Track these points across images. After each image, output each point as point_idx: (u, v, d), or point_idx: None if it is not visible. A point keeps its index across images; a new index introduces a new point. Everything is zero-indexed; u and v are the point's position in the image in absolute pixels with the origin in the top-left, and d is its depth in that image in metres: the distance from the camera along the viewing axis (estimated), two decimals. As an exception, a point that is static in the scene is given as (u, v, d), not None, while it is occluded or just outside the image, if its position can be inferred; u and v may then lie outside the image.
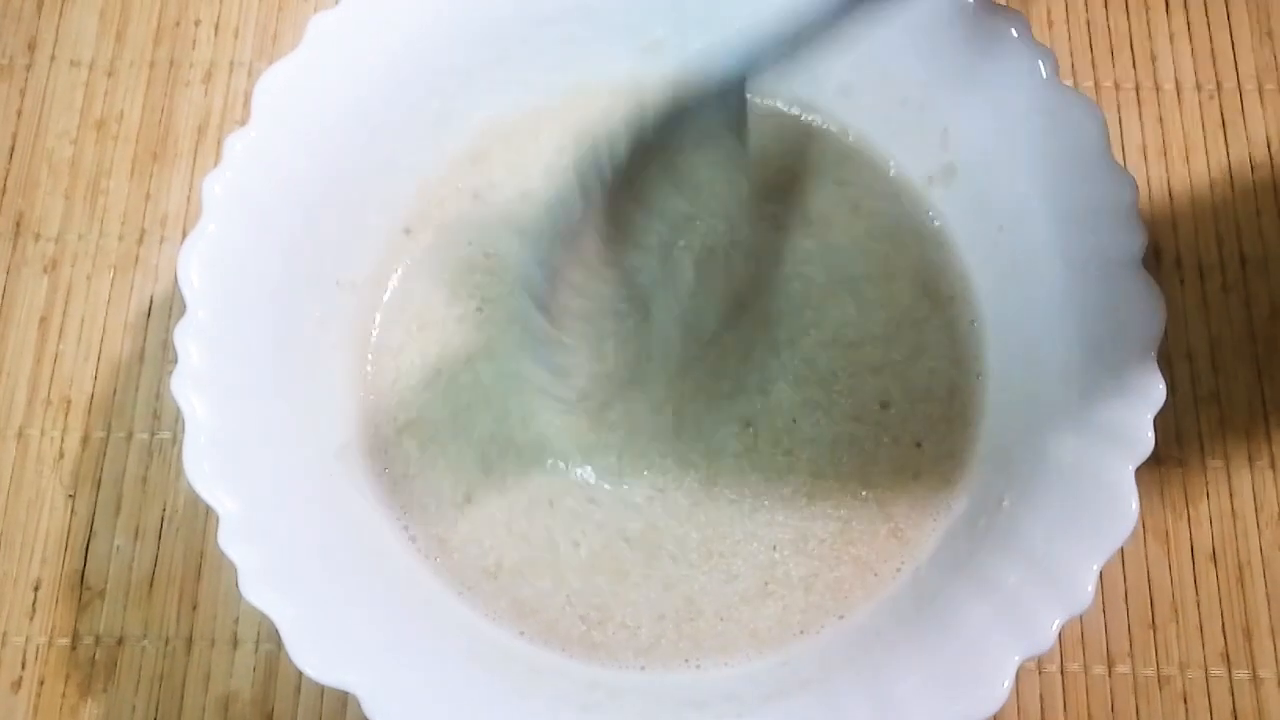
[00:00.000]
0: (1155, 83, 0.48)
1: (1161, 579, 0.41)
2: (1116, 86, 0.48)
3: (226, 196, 0.37)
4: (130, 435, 0.43)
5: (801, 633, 0.38)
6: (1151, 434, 0.34)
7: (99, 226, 0.46)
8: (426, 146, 0.43)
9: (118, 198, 0.47)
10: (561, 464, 0.40)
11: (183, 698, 0.40)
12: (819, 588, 0.38)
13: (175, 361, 0.35)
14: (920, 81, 0.41)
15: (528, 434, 0.40)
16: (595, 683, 0.37)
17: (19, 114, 0.48)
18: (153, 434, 0.43)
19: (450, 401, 0.41)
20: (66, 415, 0.44)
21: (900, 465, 0.39)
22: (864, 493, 0.39)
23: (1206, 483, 0.42)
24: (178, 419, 0.39)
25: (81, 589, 0.42)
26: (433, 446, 0.40)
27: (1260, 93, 0.47)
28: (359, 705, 0.32)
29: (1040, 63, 0.38)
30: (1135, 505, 0.33)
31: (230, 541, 0.33)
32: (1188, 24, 0.48)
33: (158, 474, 0.43)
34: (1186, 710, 0.40)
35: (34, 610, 0.42)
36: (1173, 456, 0.42)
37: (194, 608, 0.41)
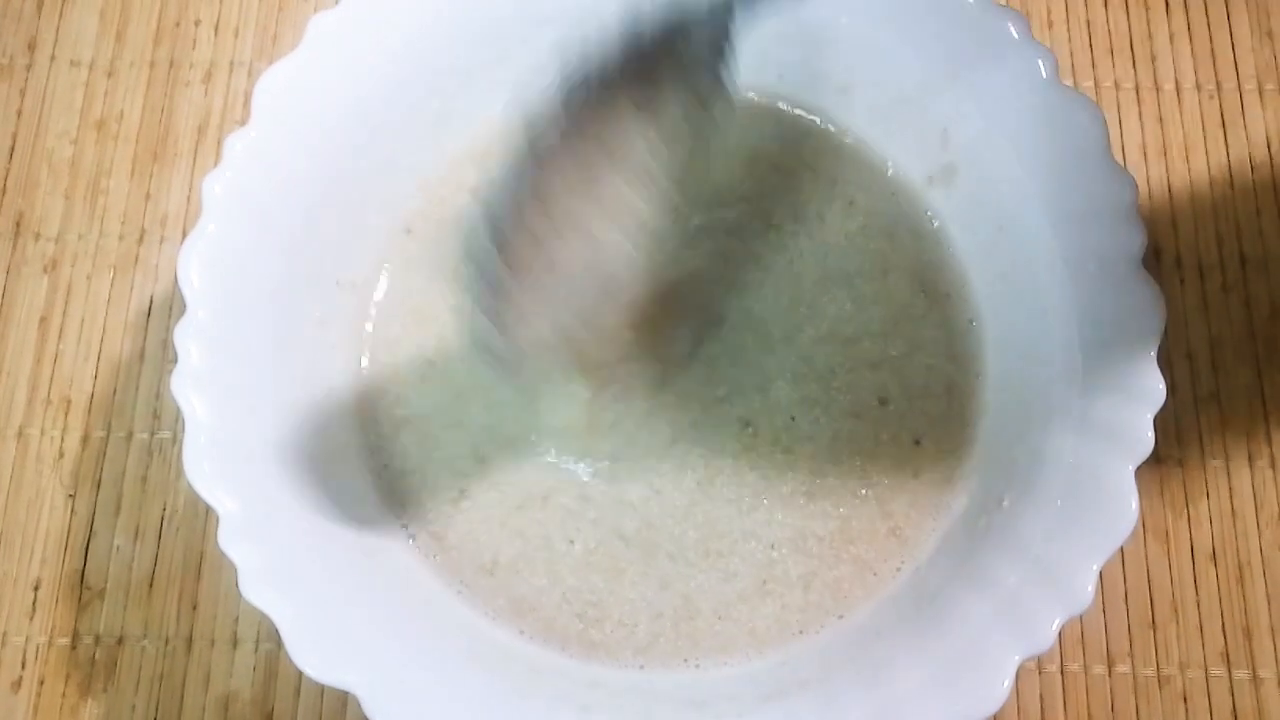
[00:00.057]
0: (1155, 83, 0.48)
1: (1161, 579, 0.41)
2: (1116, 86, 0.48)
3: (226, 196, 0.37)
4: (130, 435, 0.43)
5: (800, 632, 0.38)
6: (1151, 434, 0.34)
7: (99, 226, 0.46)
8: (426, 146, 0.43)
9: (118, 198, 0.47)
10: (553, 459, 0.40)
11: (183, 698, 0.40)
12: (818, 587, 0.38)
13: (175, 361, 0.35)
14: (920, 81, 0.41)
15: (518, 427, 0.40)
16: (595, 682, 0.37)
17: (19, 114, 0.48)
18: (153, 434, 0.43)
19: (444, 394, 0.41)
20: (66, 415, 0.44)
21: (900, 463, 0.39)
22: (863, 491, 0.39)
23: (1206, 482, 0.42)
24: (178, 419, 0.39)
25: (81, 589, 0.42)
26: (428, 441, 0.40)
27: (1260, 93, 0.47)
28: (359, 705, 0.32)
29: (1040, 63, 0.38)
30: (1135, 505, 0.33)
31: (230, 541, 0.33)
32: (1188, 24, 0.48)
33: (158, 474, 0.43)
34: (1186, 710, 0.40)
35: (34, 610, 0.42)
36: (1173, 456, 0.42)
37: (194, 607, 0.41)
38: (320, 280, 0.40)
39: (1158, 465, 0.42)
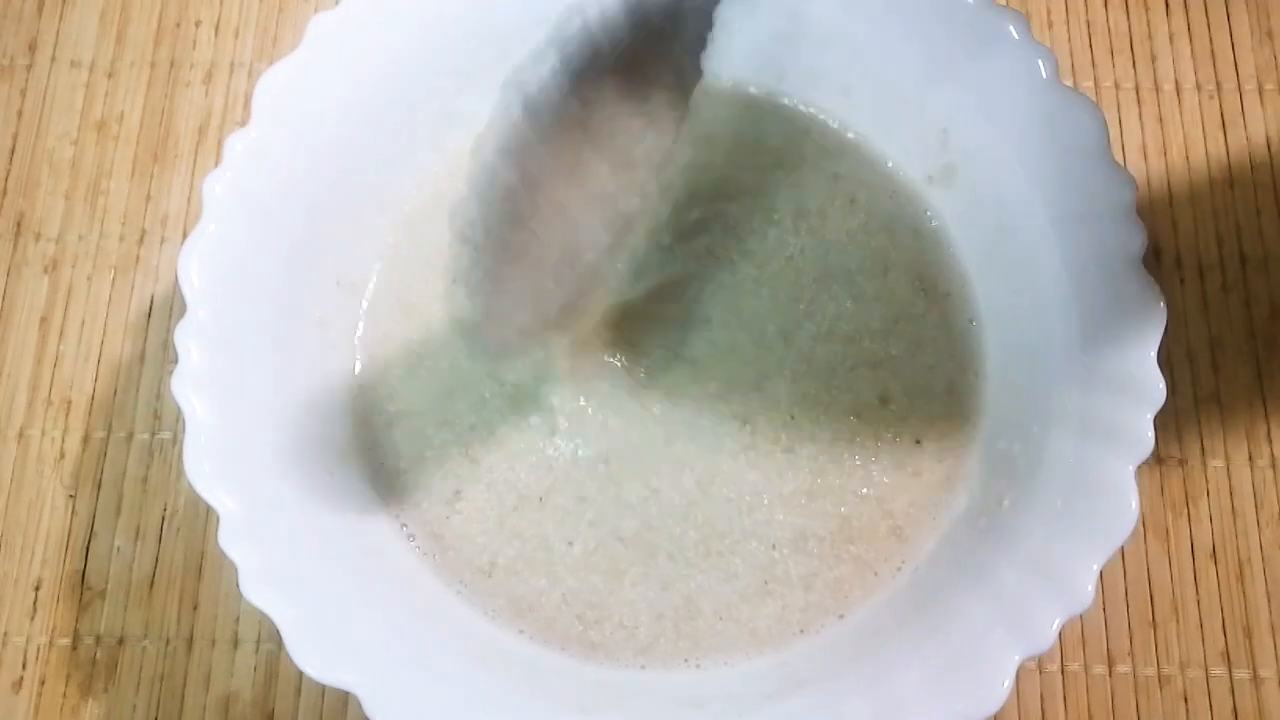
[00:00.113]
0: (1155, 83, 0.48)
1: (1162, 578, 0.41)
2: (1116, 86, 0.48)
3: (227, 197, 0.37)
4: (131, 435, 0.43)
5: (801, 632, 0.38)
6: (1152, 433, 0.34)
7: (99, 227, 0.46)
8: (426, 146, 0.43)
9: (118, 198, 0.47)
10: (546, 460, 0.40)
11: (183, 698, 0.40)
12: (818, 586, 0.38)
13: (175, 361, 0.35)
14: (919, 81, 0.41)
15: (507, 426, 0.40)
16: (595, 682, 0.37)
17: (19, 114, 0.48)
18: (153, 434, 0.43)
19: (432, 389, 0.41)
20: (67, 416, 0.44)
21: (900, 463, 0.39)
22: (864, 490, 0.39)
23: (1207, 482, 0.42)
24: (178, 419, 0.39)
25: (82, 589, 0.42)
26: (419, 439, 0.40)
27: (1260, 93, 0.47)
28: (359, 705, 0.32)
29: (1040, 63, 0.38)
30: (1135, 504, 0.33)
31: (230, 541, 0.33)
32: (1188, 24, 0.49)
33: (158, 474, 0.43)
34: (1187, 710, 0.40)
35: (35, 610, 0.42)
36: (1173, 455, 0.42)
37: (194, 608, 0.41)
38: (320, 280, 0.40)
39: (1158, 465, 0.42)
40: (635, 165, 0.35)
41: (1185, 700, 0.40)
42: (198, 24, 0.49)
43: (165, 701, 0.40)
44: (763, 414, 0.40)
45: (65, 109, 0.48)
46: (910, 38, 0.40)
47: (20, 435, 0.44)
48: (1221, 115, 0.47)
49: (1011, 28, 0.38)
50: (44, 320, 0.45)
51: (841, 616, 0.38)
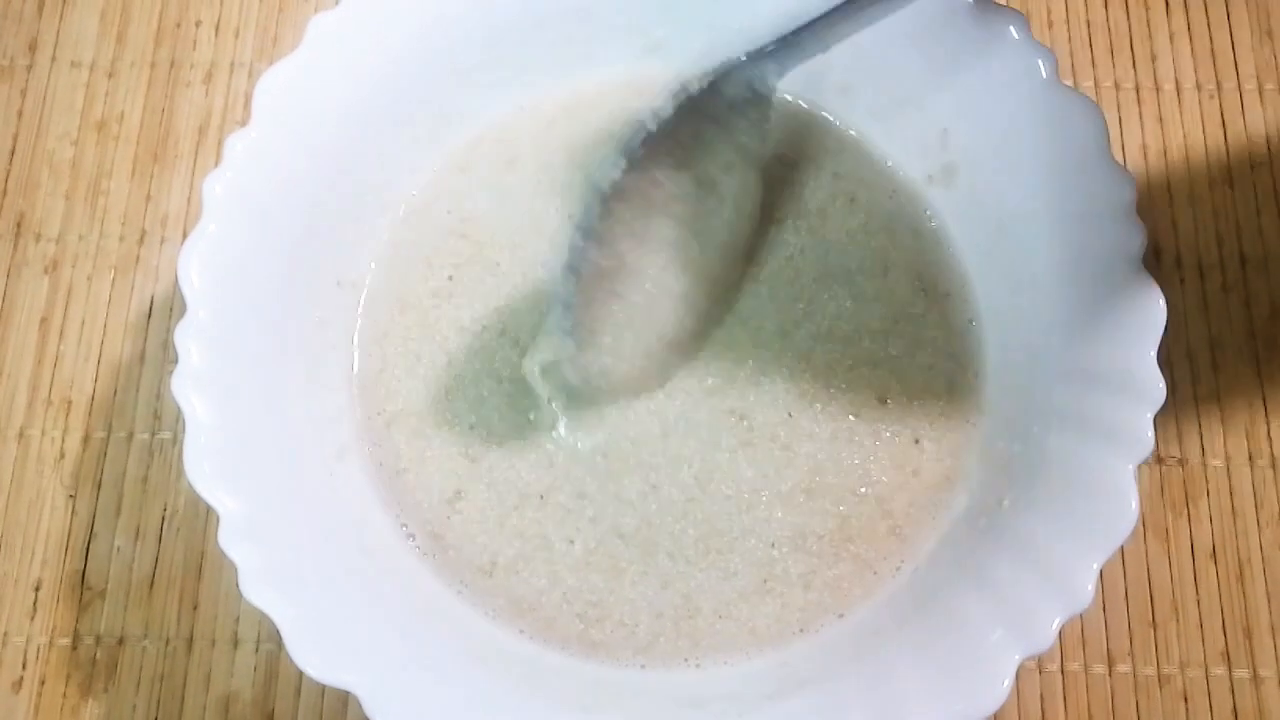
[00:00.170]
0: (1155, 82, 0.48)
1: (1162, 578, 0.41)
2: (1116, 86, 0.48)
3: (227, 197, 0.37)
4: (131, 435, 0.43)
5: (801, 631, 0.38)
6: (1152, 433, 0.34)
7: (99, 227, 0.46)
8: (426, 146, 0.43)
9: (118, 198, 0.47)
10: (545, 457, 0.40)
11: (183, 698, 0.41)
12: (818, 585, 0.38)
13: (175, 361, 0.35)
14: (920, 81, 0.41)
15: (505, 424, 0.40)
16: (596, 682, 0.37)
17: (20, 115, 0.48)
18: (153, 434, 0.43)
19: (431, 389, 0.41)
20: (67, 416, 0.44)
21: (899, 462, 0.39)
22: (863, 490, 0.39)
23: (1207, 481, 0.42)
24: (178, 419, 0.39)
25: (82, 589, 0.42)
26: (419, 440, 0.40)
27: (1260, 92, 0.47)
28: (359, 705, 0.32)
29: (1040, 62, 0.38)
30: (1135, 504, 0.33)
31: (230, 541, 0.33)
32: (1188, 24, 0.49)
33: (158, 474, 0.43)
34: (1187, 709, 0.40)
35: (35, 610, 0.42)
36: (1173, 455, 0.43)
37: (194, 608, 0.41)
38: (320, 280, 0.40)
39: (1158, 464, 0.42)
40: (713, 236, 0.39)
41: (1185, 700, 0.40)
42: (198, 24, 0.49)
43: (165, 701, 0.40)
44: (760, 411, 0.40)
45: (65, 109, 0.48)
46: (910, 37, 0.40)
47: (20, 435, 0.44)
48: (1221, 115, 0.47)
49: (1011, 27, 0.38)
50: (44, 320, 0.45)
51: (841, 616, 0.38)
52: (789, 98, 0.44)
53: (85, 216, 0.46)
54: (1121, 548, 0.33)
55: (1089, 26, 0.49)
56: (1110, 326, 0.35)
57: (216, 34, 0.49)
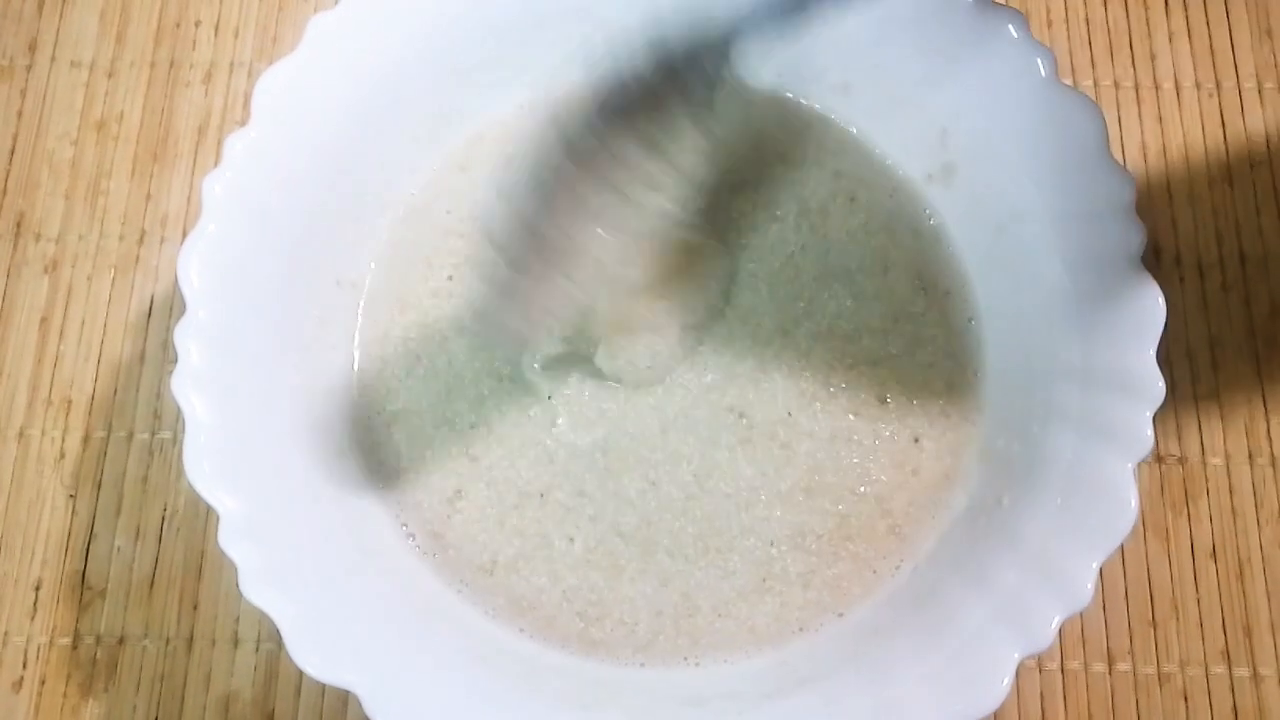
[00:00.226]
0: (1155, 81, 0.48)
1: (1162, 577, 0.41)
2: (1116, 85, 0.48)
3: (226, 196, 0.37)
4: (131, 435, 0.43)
5: (800, 630, 0.38)
6: (1151, 431, 0.34)
7: (99, 227, 0.46)
8: (426, 146, 0.43)
9: (118, 198, 0.47)
10: (545, 455, 0.40)
11: (184, 697, 0.41)
12: (817, 584, 0.38)
13: (175, 361, 0.35)
14: (919, 80, 0.41)
15: (505, 423, 0.40)
16: (595, 680, 0.37)
17: (19, 115, 0.48)
18: (153, 434, 0.43)
19: (431, 388, 0.41)
20: (67, 415, 0.44)
21: (899, 461, 0.39)
22: (862, 488, 0.39)
23: (1206, 480, 0.42)
24: (178, 419, 0.39)
25: (82, 589, 0.42)
26: (420, 439, 0.40)
27: (1260, 91, 0.47)
28: (359, 704, 0.32)
29: (1039, 61, 0.38)
30: (1135, 503, 0.33)
31: (230, 541, 0.33)
32: (1187, 23, 0.49)
33: (158, 474, 0.43)
34: (1187, 708, 0.40)
35: (35, 610, 0.42)
36: (1173, 454, 0.43)
37: (194, 607, 0.41)
38: (319, 279, 0.40)
39: (1158, 463, 0.42)
40: (658, 189, 0.37)
41: (1185, 698, 0.40)
42: (197, 24, 0.49)
43: (165, 701, 0.40)
44: (760, 409, 0.40)
45: (65, 109, 0.48)
46: (910, 36, 0.40)
47: (20, 435, 0.44)
48: (1221, 114, 0.47)
49: (1010, 26, 0.38)
50: (44, 320, 0.45)
51: (840, 615, 0.38)
52: (789, 96, 0.44)
53: (85, 216, 0.46)
54: (1121, 546, 0.33)
55: (1088, 25, 0.49)
56: (1110, 325, 0.35)
57: (216, 34, 0.49)
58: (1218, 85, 0.47)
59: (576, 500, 0.39)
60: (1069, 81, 0.46)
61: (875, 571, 0.38)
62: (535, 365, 0.40)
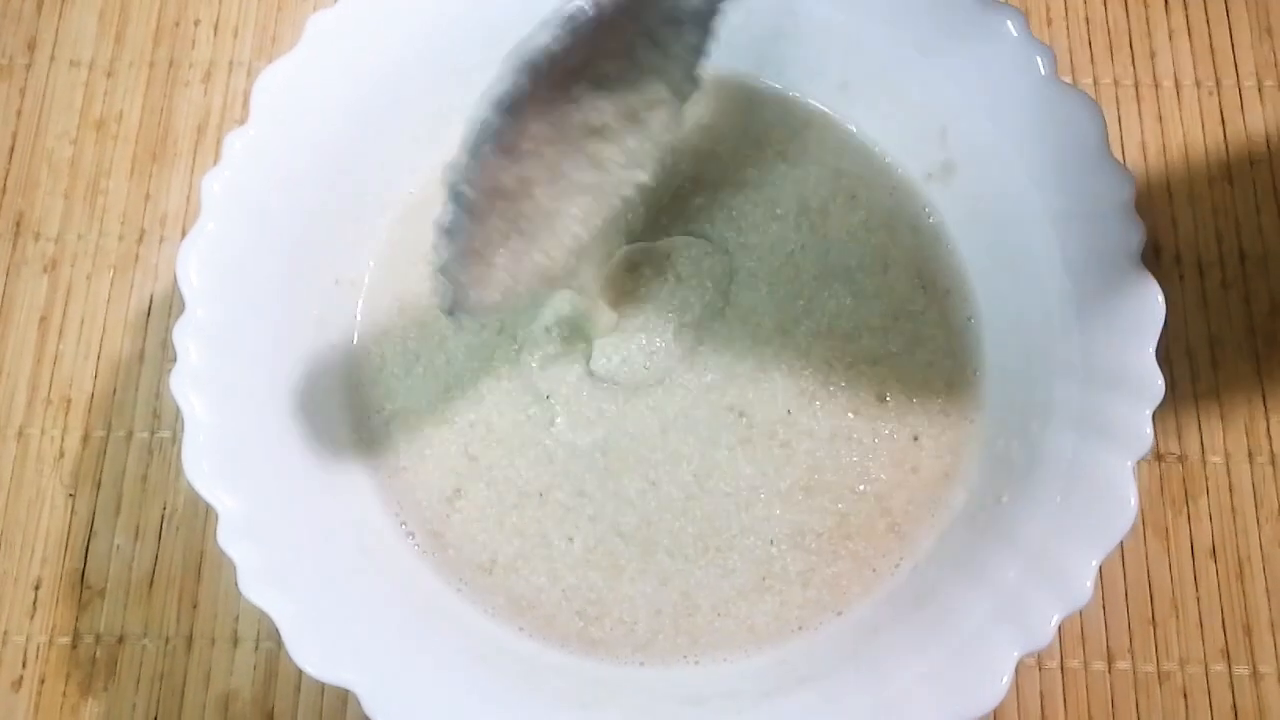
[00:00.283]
0: (1154, 79, 0.48)
1: (1161, 575, 0.41)
2: (1116, 83, 0.48)
3: (226, 195, 0.37)
4: (130, 434, 0.43)
5: (800, 629, 0.38)
6: (1150, 430, 0.34)
7: (99, 226, 0.46)
8: (425, 145, 0.43)
9: (117, 197, 0.47)
10: (545, 455, 0.40)
11: (183, 696, 0.41)
12: (817, 583, 0.38)
13: (175, 360, 0.35)
14: (919, 78, 0.41)
15: (504, 422, 0.40)
16: (595, 679, 0.37)
17: (19, 114, 0.48)
18: (153, 433, 0.43)
19: (430, 387, 0.41)
20: (66, 414, 0.44)
21: (898, 459, 0.39)
22: (862, 487, 0.39)
23: (1206, 479, 0.42)
24: (178, 418, 0.39)
25: (82, 588, 0.42)
26: (419, 439, 0.40)
27: (1260, 89, 0.47)
28: (359, 703, 0.32)
29: (1039, 59, 0.38)
30: (1134, 501, 0.33)
31: (230, 540, 0.33)
32: (1187, 21, 0.48)
33: (158, 473, 0.43)
34: (1187, 706, 0.40)
35: (34, 609, 0.42)
36: (1172, 452, 0.42)
37: (194, 606, 0.41)
38: (319, 278, 0.40)
39: (1157, 462, 0.42)
40: (627, 155, 0.35)
41: (1185, 697, 0.40)
42: (197, 23, 0.49)
43: (165, 700, 0.40)
44: (760, 408, 0.40)
45: (64, 108, 0.48)
46: (908, 33, 0.40)
47: (20, 434, 0.44)
48: (1221, 112, 0.47)
49: (1010, 24, 0.38)
50: (43, 319, 0.45)
51: (840, 613, 0.38)
52: (789, 95, 0.44)
53: (84, 215, 0.46)
54: (1121, 544, 0.33)
55: (1088, 23, 0.49)
56: (1109, 323, 0.35)
57: (215, 33, 0.49)
58: (1218, 83, 0.47)
59: (576, 500, 0.39)
60: (1069, 80, 0.46)
61: (875, 570, 0.38)
62: (534, 365, 0.40)
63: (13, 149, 0.47)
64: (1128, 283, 0.35)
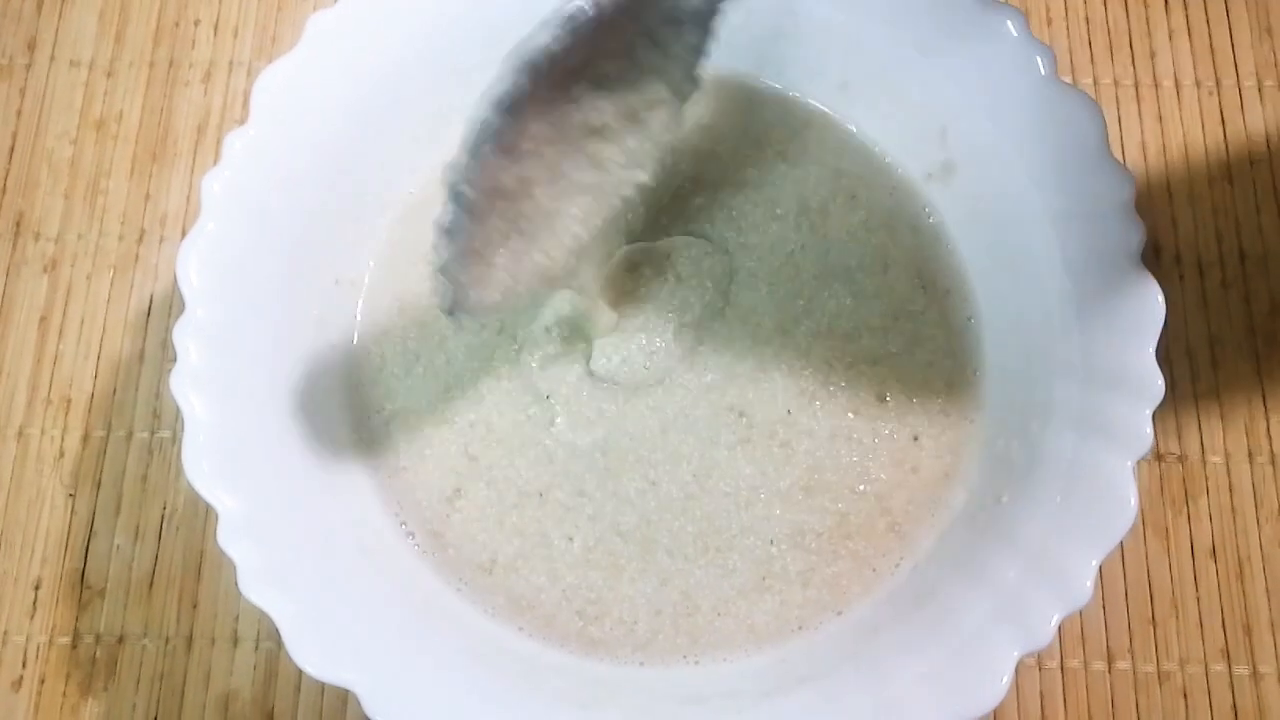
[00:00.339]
0: (1154, 79, 0.48)
1: (1161, 575, 0.41)
2: (1116, 83, 0.48)
3: (225, 195, 0.37)
4: (130, 434, 0.43)
5: (800, 628, 0.38)
6: (1150, 429, 0.34)
7: (99, 226, 0.46)
8: (425, 145, 0.43)
9: (117, 197, 0.47)
10: (545, 455, 0.40)
11: (183, 696, 0.41)
12: (816, 583, 0.38)
13: (175, 360, 0.35)
14: (919, 78, 0.41)
15: (504, 422, 0.40)
16: (594, 679, 0.37)
17: (19, 114, 0.48)
18: (152, 433, 0.43)
19: (430, 387, 0.41)
20: (66, 414, 0.44)
21: (898, 459, 0.39)
22: (861, 487, 0.39)
23: (1206, 478, 0.42)
24: (178, 418, 0.39)
25: (82, 588, 0.42)
26: (419, 439, 0.40)
27: (1260, 89, 0.47)
28: (359, 703, 0.32)
29: (1039, 59, 0.38)
30: (1134, 500, 0.33)
31: (229, 539, 0.33)
32: (1187, 21, 0.48)
33: (157, 473, 0.43)
34: (1186, 706, 0.40)
35: (34, 609, 0.42)
36: (1172, 452, 0.42)
37: (194, 606, 0.41)
38: (319, 278, 0.40)
39: (1157, 461, 0.42)
40: (627, 155, 0.35)
41: (1185, 697, 0.40)
42: (196, 23, 0.49)
43: (165, 700, 0.40)
44: (760, 408, 0.40)
45: (64, 108, 0.48)
46: (908, 33, 0.40)
47: (20, 434, 0.44)
48: (1221, 112, 0.47)
49: (1010, 24, 0.38)
50: (43, 319, 0.45)
51: (840, 613, 0.38)
52: (789, 95, 0.44)
53: (84, 215, 0.46)
54: (1121, 544, 0.33)
55: (1088, 24, 0.49)
56: (1109, 323, 0.35)
57: (215, 33, 0.49)
58: (1217, 83, 0.47)
59: (576, 500, 0.39)
60: (1069, 80, 0.46)
61: (875, 570, 0.38)
62: (534, 365, 0.40)
63: (13, 149, 0.48)
64: (1128, 283, 0.35)
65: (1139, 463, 0.33)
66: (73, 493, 0.43)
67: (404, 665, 0.34)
